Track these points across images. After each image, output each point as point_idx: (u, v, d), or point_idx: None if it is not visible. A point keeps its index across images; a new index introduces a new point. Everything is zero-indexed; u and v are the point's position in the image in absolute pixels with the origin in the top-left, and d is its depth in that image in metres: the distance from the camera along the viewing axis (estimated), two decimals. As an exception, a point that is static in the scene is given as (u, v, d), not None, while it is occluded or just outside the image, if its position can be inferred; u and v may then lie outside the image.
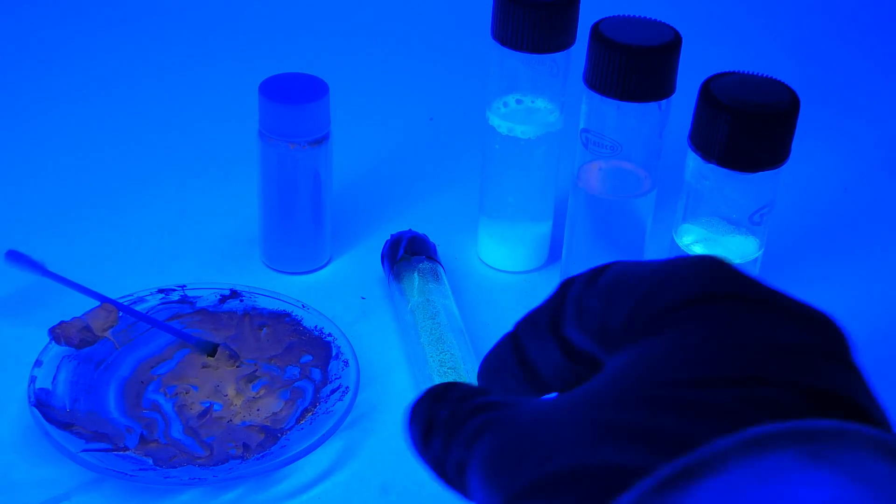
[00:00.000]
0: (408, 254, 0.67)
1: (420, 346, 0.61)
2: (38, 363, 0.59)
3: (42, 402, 0.56)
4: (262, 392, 0.60)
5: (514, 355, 0.32)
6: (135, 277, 0.69)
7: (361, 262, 0.72)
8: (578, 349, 0.30)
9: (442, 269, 0.67)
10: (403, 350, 0.64)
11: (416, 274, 0.65)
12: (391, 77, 0.97)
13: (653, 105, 0.60)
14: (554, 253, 0.73)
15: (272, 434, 0.57)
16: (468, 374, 0.58)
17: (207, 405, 0.59)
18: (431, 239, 0.69)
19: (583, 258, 0.66)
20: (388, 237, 0.69)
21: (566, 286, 0.30)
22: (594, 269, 0.30)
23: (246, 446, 0.56)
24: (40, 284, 0.66)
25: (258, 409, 0.59)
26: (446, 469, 0.29)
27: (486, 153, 0.69)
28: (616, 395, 0.26)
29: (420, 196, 0.80)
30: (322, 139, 0.66)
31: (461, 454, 0.28)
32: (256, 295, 0.65)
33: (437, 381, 0.58)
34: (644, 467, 0.23)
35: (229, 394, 0.60)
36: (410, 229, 0.69)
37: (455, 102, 0.92)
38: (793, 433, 0.22)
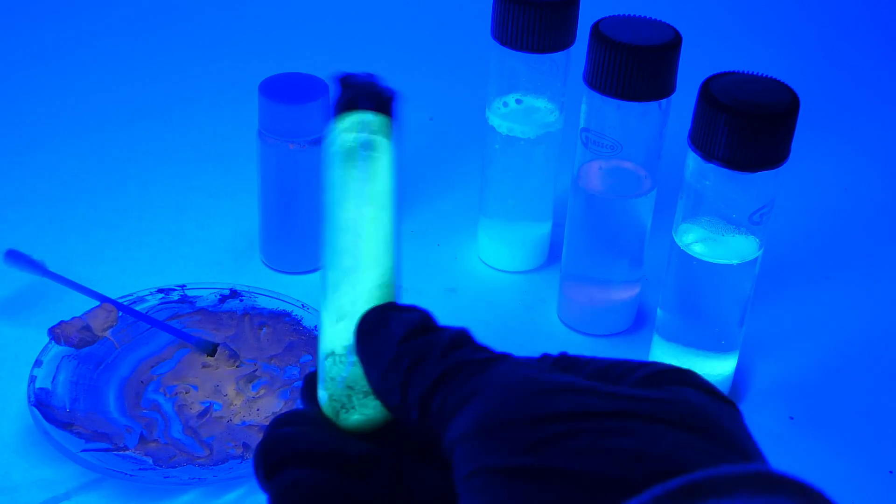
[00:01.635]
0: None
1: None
2: (37, 363, 0.59)
3: (42, 402, 0.56)
4: (261, 392, 0.60)
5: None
6: (134, 277, 0.69)
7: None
8: None
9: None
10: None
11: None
12: (391, 77, 0.96)
13: (653, 104, 0.60)
14: (554, 253, 0.73)
15: (272, 434, 0.57)
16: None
17: (207, 405, 0.59)
18: (433, 237, 0.69)
19: (583, 258, 0.66)
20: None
21: None
22: None
23: (246, 446, 0.56)
24: (40, 284, 0.66)
25: (258, 409, 0.59)
26: (408, 391, 0.29)
27: (486, 153, 0.69)
28: None
29: (420, 196, 0.80)
30: (322, 139, 0.66)
31: (452, 401, 0.28)
32: (256, 295, 0.65)
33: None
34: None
35: (229, 393, 0.60)
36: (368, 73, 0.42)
37: (455, 102, 0.92)
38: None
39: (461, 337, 0.30)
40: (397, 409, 0.30)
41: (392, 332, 0.30)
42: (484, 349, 0.30)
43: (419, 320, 0.31)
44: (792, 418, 0.62)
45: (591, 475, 0.24)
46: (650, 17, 0.60)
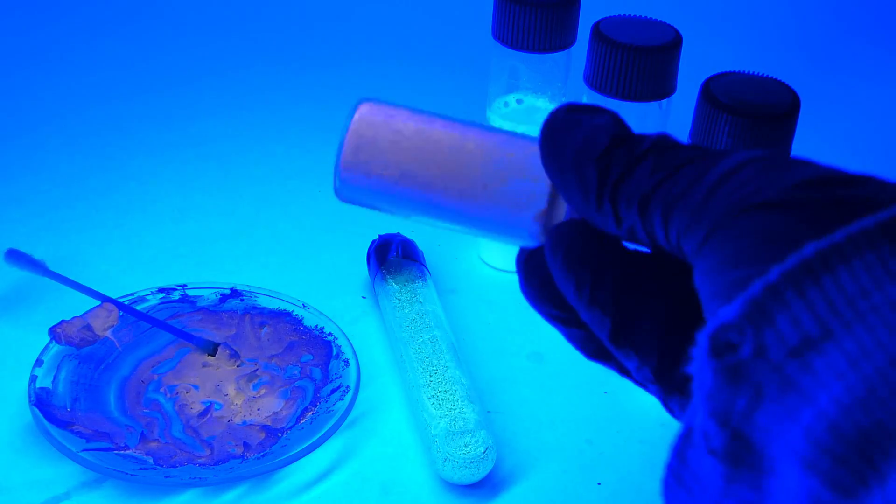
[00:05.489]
0: (401, 257, 0.67)
1: (414, 366, 0.60)
2: (38, 362, 0.59)
3: (42, 402, 0.56)
4: (262, 391, 0.60)
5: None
6: (135, 277, 0.69)
7: (362, 262, 0.72)
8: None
9: (430, 276, 0.67)
10: (394, 352, 0.64)
11: (417, 283, 0.65)
12: (391, 77, 0.97)
13: (653, 105, 0.60)
14: (554, 253, 0.73)
15: (273, 433, 0.57)
16: (460, 400, 0.56)
17: (208, 404, 0.59)
18: (434, 237, 0.69)
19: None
20: (376, 238, 0.69)
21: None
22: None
23: (246, 445, 0.56)
24: (40, 284, 0.66)
25: (259, 409, 0.59)
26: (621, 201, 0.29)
27: (487, 153, 0.69)
28: None
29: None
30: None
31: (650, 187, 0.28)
32: (257, 294, 0.65)
33: (430, 403, 0.57)
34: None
35: (230, 393, 0.60)
36: (399, 233, 0.69)
37: (455, 102, 0.92)
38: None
39: (664, 142, 0.29)
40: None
41: (586, 146, 0.30)
42: (692, 147, 0.29)
43: (612, 126, 0.30)
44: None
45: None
46: (650, 17, 0.60)
